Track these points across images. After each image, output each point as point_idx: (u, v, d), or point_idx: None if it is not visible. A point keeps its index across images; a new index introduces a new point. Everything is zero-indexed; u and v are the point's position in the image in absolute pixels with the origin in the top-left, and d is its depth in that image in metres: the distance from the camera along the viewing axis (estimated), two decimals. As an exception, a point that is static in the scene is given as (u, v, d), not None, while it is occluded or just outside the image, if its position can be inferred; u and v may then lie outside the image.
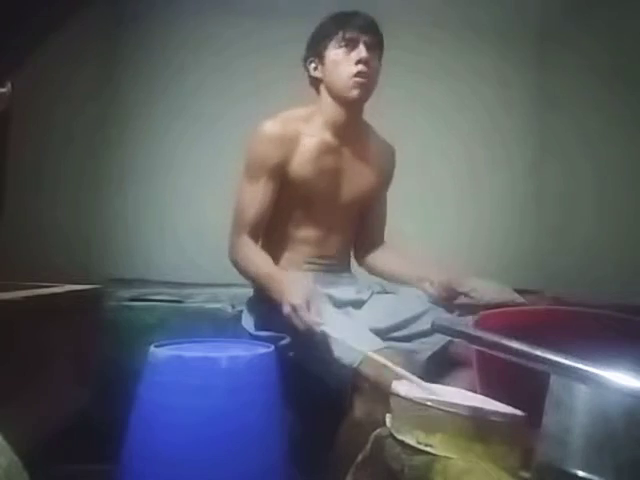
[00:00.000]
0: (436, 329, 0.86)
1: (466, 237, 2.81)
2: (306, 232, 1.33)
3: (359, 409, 1.07)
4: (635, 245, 2.15)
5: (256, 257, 1.29)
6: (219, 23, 2.72)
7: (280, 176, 1.32)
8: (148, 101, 2.68)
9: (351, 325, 1.19)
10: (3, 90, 1.30)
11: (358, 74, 1.28)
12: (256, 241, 1.33)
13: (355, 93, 1.30)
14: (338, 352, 1.12)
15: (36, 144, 1.88)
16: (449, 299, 1.30)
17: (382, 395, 1.00)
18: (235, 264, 1.33)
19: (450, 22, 2.74)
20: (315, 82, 1.38)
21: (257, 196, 1.31)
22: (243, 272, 1.32)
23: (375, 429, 0.99)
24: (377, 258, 1.50)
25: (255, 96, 2.61)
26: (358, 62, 1.28)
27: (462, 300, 1.30)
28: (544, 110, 2.95)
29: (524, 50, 2.96)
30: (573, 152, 2.66)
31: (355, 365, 1.08)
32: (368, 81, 1.30)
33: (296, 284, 1.15)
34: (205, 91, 2.72)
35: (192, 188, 2.68)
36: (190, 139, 2.71)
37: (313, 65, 1.36)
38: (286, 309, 1.12)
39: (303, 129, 1.34)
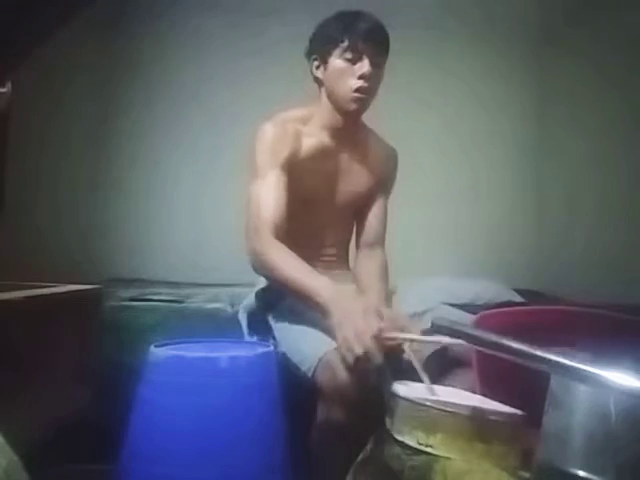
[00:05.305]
0: (435, 329, 0.86)
1: (466, 237, 2.82)
2: (302, 231, 1.32)
3: (320, 412, 1.08)
4: (635, 245, 2.15)
5: (293, 265, 1.14)
6: (220, 23, 2.72)
7: (289, 171, 1.27)
8: (148, 101, 2.68)
9: (304, 330, 1.19)
10: (3, 90, 1.30)
11: (358, 89, 1.27)
12: (281, 240, 1.19)
13: (353, 107, 1.30)
14: (298, 359, 1.15)
15: (36, 144, 1.88)
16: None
17: (340, 397, 1.01)
18: (259, 268, 1.21)
19: (448, 23, 2.74)
20: (317, 80, 1.37)
21: (272, 191, 1.23)
22: (270, 277, 1.22)
23: (336, 430, 1.01)
24: (357, 264, 1.46)
25: (256, 96, 2.61)
26: (360, 77, 1.26)
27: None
28: (543, 110, 2.95)
29: (524, 51, 2.96)
30: (573, 152, 2.66)
31: (310, 373, 1.09)
32: (367, 96, 1.29)
33: (364, 318, 0.99)
34: (205, 91, 2.72)
35: (192, 188, 2.68)
36: (190, 139, 2.71)
37: (316, 64, 1.35)
38: (350, 351, 0.97)
39: (302, 129, 1.34)
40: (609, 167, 2.36)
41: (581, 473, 0.57)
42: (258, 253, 1.19)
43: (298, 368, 1.15)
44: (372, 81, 1.28)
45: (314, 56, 1.35)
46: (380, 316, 1.02)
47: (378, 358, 0.94)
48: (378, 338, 0.96)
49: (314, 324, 1.17)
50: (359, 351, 0.95)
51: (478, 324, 0.94)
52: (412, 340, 0.99)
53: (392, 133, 1.50)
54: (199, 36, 2.72)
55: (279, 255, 1.16)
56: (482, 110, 2.91)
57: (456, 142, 2.88)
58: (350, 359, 0.97)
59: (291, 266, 1.15)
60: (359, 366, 0.97)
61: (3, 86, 1.27)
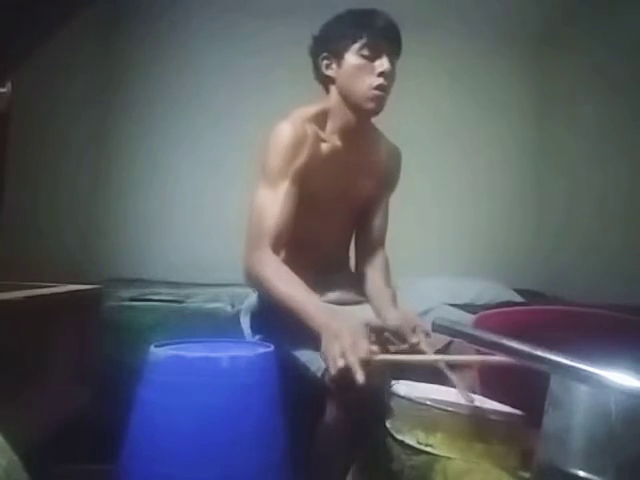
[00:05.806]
0: (436, 329, 0.85)
1: (467, 237, 2.82)
2: (306, 232, 1.31)
3: (329, 411, 1.07)
4: (635, 245, 2.15)
5: (288, 283, 1.11)
6: (220, 23, 2.72)
7: (301, 179, 1.23)
8: (148, 101, 2.68)
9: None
10: (3, 90, 1.30)
11: (378, 87, 1.23)
12: (278, 254, 1.17)
13: (372, 105, 1.25)
14: (307, 359, 1.14)
15: (36, 144, 1.88)
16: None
17: (350, 398, 1.00)
18: (253, 280, 1.18)
19: (447, 23, 2.74)
20: (326, 80, 1.32)
21: (279, 202, 1.19)
22: (263, 291, 1.19)
23: (343, 431, 1.01)
24: (360, 266, 1.44)
25: (258, 96, 2.61)
26: (380, 74, 1.23)
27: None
28: (543, 110, 2.95)
29: (523, 51, 2.97)
30: (572, 152, 2.66)
31: (319, 373, 1.08)
32: (385, 94, 1.26)
33: (351, 338, 0.95)
34: (206, 92, 2.72)
35: (192, 188, 2.69)
36: (191, 139, 2.71)
37: (326, 62, 1.30)
38: (333, 366, 0.93)
39: (316, 131, 1.29)
40: (609, 167, 2.36)
41: (581, 473, 0.57)
42: (254, 268, 1.16)
43: (307, 368, 1.13)
44: (389, 79, 1.25)
45: (324, 54, 1.30)
46: (369, 336, 1.01)
47: (363, 379, 0.89)
48: (365, 361, 0.92)
49: None
50: (343, 368, 0.91)
51: (478, 324, 0.94)
52: (402, 362, 0.99)
53: (391, 133, 1.49)
54: (199, 36, 2.73)
55: (274, 273, 1.14)
56: (481, 110, 2.91)
57: (456, 142, 2.89)
58: (335, 378, 0.94)
59: (286, 284, 1.12)
60: (345, 386, 0.94)
61: (3, 86, 1.27)
